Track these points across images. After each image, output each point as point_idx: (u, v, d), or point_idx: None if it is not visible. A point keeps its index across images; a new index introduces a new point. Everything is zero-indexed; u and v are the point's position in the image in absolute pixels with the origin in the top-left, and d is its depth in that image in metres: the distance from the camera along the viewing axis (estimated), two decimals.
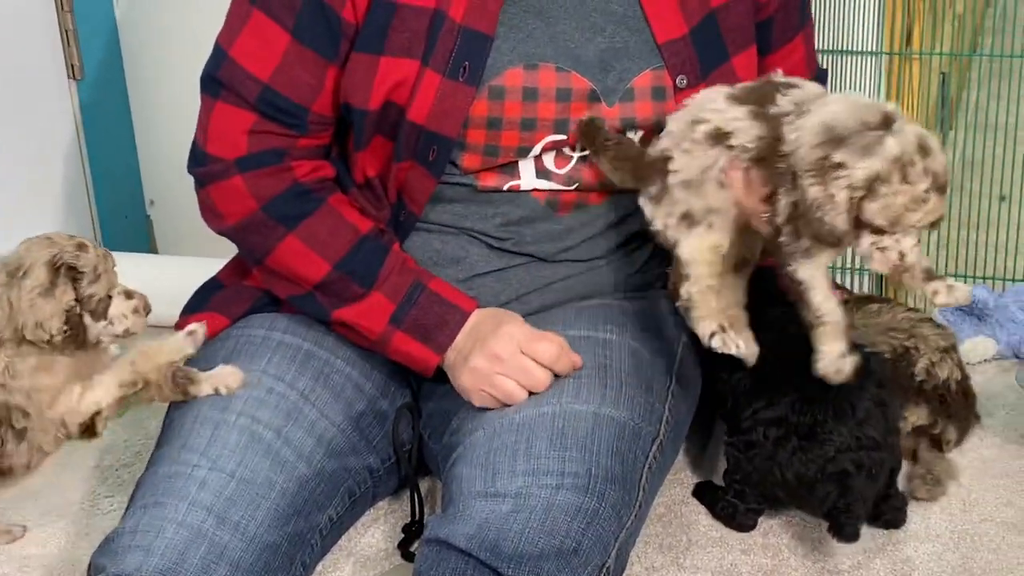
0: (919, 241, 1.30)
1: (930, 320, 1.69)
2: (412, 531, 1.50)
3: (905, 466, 1.57)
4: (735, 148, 1.35)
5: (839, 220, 1.26)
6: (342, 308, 1.47)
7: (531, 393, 1.41)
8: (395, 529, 1.52)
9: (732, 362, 1.52)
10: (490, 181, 1.48)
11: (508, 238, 1.50)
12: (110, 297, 1.40)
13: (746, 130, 1.34)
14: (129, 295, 1.42)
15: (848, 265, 1.98)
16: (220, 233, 1.51)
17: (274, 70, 1.42)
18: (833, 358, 1.34)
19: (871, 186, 1.24)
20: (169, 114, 2.35)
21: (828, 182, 1.25)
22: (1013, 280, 1.95)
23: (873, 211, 1.25)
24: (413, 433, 1.52)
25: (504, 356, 1.40)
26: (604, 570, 1.28)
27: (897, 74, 1.86)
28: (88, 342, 1.40)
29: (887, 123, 1.26)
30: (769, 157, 1.32)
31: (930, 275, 1.32)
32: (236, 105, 1.43)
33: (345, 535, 1.49)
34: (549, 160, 1.48)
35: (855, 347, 1.42)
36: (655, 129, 1.45)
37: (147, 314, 1.44)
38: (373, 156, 1.47)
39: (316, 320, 1.50)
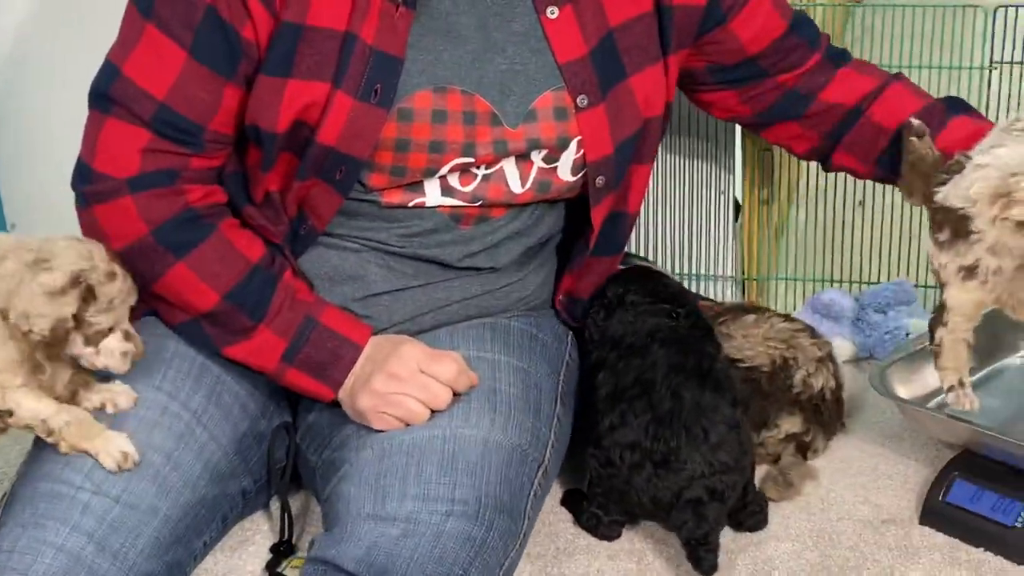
0: None
1: (808, 330, 1.73)
2: (281, 551, 1.49)
3: (763, 468, 1.61)
4: None
5: None
6: (232, 345, 1.45)
7: (432, 412, 1.41)
8: (263, 549, 1.50)
9: (597, 375, 1.56)
10: (395, 198, 1.49)
11: (409, 246, 1.50)
12: (111, 330, 1.37)
13: None
14: (128, 336, 1.39)
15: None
16: None
17: (170, 88, 1.39)
18: None
19: None
20: (31, 134, 2.31)
21: None
22: (869, 283, 2.00)
23: None
24: (288, 453, 1.51)
25: (404, 376, 1.40)
26: None
27: None
28: (61, 357, 1.37)
29: None
30: None
31: None
32: (129, 122, 1.40)
33: (211, 556, 1.48)
34: (454, 179, 1.48)
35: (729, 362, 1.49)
36: (952, 168, 1.43)
37: (137, 359, 1.41)
38: (277, 173, 1.46)
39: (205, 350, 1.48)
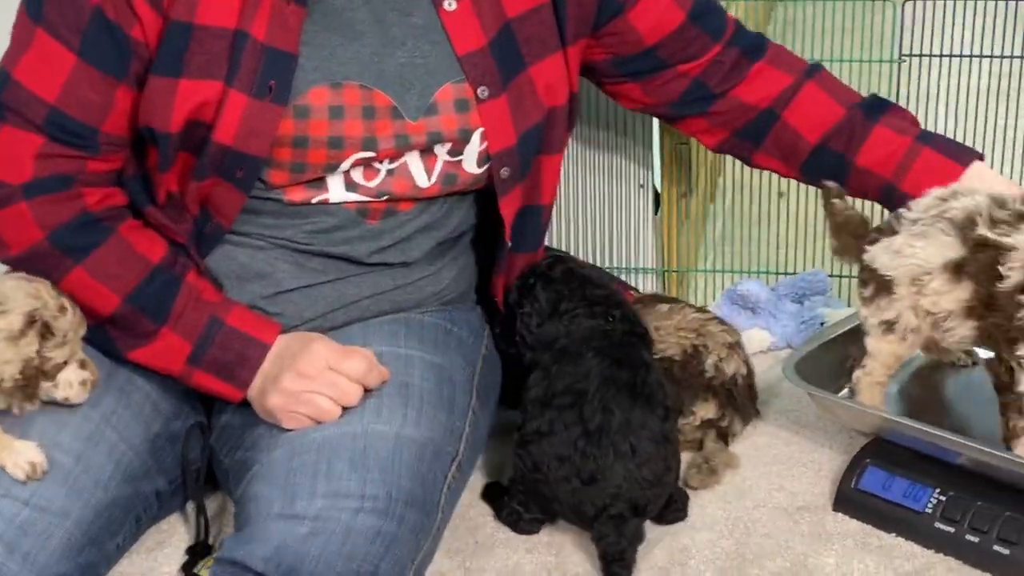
0: None
1: (717, 318, 1.75)
2: (197, 552, 1.48)
3: (687, 455, 1.63)
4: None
5: None
6: (136, 349, 1.45)
7: (344, 409, 1.41)
8: (179, 551, 1.50)
9: (529, 374, 1.57)
10: (298, 196, 1.48)
11: (316, 243, 1.50)
12: (66, 363, 1.37)
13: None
14: (84, 365, 1.39)
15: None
16: (3, 262, 1.46)
17: (61, 91, 1.39)
18: None
19: None
20: None
21: None
22: (786, 273, 2.03)
23: None
24: (203, 452, 1.51)
25: (313, 374, 1.40)
26: None
27: None
28: (37, 396, 1.37)
29: None
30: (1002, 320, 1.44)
31: None
32: (22, 128, 1.40)
33: (127, 558, 1.47)
34: (358, 174, 1.48)
35: (645, 367, 1.52)
36: (883, 229, 1.53)
37: (93, 389, 1.40)
38: (176, 174, 1.45)
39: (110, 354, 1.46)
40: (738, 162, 2.33)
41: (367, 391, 1.43)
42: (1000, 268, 1.43)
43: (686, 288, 2.07)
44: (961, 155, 1.60)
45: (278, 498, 1.32)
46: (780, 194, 2.10)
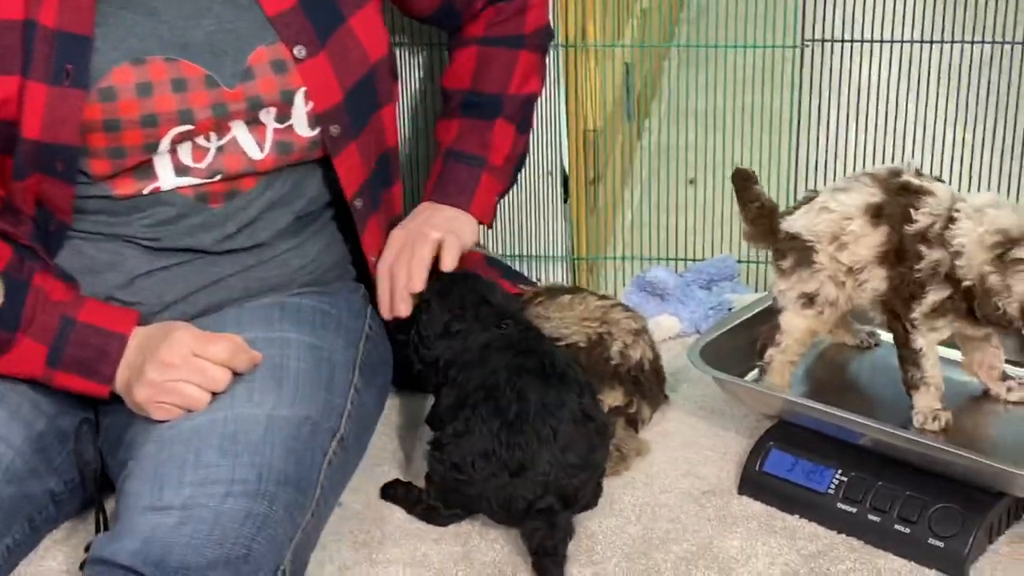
0: None
1: (620, 305, 1.75)
2: None
3: None
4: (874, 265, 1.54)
5: (1013, 307, 1.44)
6: None
7: (214, 395, 1.39)
8: (77, 551, 1.47)
9: (440, 373, 1.57)
10: (127, 189, 1.46)
11: (161, 237, 1.48)
12: None
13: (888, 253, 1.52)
14: None
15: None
16: None
17: None
18: (927, 414, 1.53)
19: None
20: None
21: (1009, 275, 1.44)
22: (695, 260, 2.04)
23: None
24: (95, 449, 1.48)
25: (177, 362, 1.38)
26: (279, 572, 1.28)
27: (575, 66, 1.93)
28: None
29: None
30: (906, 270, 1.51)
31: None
32: None
33: (25, 560, 1.45)
34: (186, 155, 1.46)
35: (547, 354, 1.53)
36: (802, 201, 1.60)
37: None
38: (0, 175, 1.42)
39: None
40: (650, 150, 2.35)
41: (238, 375, 1.41)
42: (911, 211, 1.49)
43: (596, 276, 2.07)
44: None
45: (147, 491, 1.30)
46: (690, 181, 2.11)
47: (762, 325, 1.68)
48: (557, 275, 2.03)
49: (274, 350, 1.45)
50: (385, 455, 1.67)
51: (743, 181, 1.63)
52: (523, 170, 1.97)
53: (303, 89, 1.47)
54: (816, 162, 1.99)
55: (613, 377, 1.66)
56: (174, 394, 1.38)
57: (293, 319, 1.51)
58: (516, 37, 1.73)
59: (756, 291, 1.96)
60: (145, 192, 1.46)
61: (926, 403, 1.53)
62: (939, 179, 1.57)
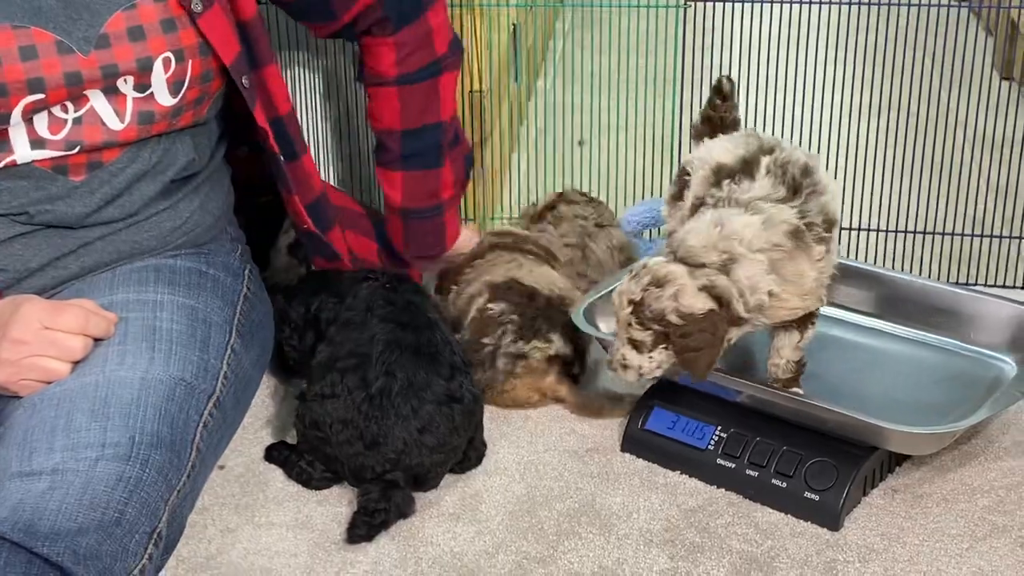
0: None
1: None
2: None
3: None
4: None
5: None
6: None
7: (76, 364, 1.36)
8: None
9: (308, 337, 1.57)
10: None
11: (22, 213, 1.43)
12: None
13: None
14: None
15: None
16: None
17: None
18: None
19: None
20: None
21: None
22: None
23: None
24: None
25: (28, 338, 1.35)
26: (155, 535, 1.27)
27: (461, 26, 1.91)
28: None
29: None
30: None
31: None
32: None
33: None
34: (42, 126, 1.41)
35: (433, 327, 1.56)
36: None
37: None
38: None
39: None
40: (539, 111, 2.35)
41: (101, 340, 1.38)
42: None
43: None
44: None
45: (15, 458, 1.28)
46: (579, 143, 2.12)
47: None
48: None
49: (147, 312, 1.42)
50: (267, 416, 1.66)
51: (723, 91, 1.64)
52: None
53: (163, 56, 1.43)
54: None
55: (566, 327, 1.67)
56: (33, 370, 1.35)
57: (167, 280, 1.48)
58: (432, 64, 1.68)
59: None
60: (0, 165, 1.42)
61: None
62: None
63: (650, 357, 1.45)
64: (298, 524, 1.47)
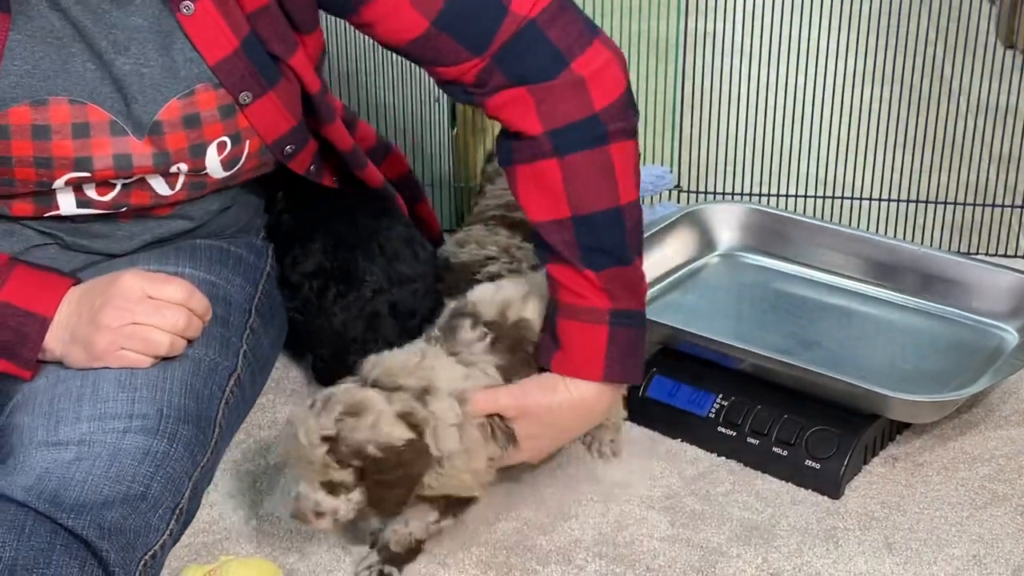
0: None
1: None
2: None
3: None
4: None
5: None
6: None
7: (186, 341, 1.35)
8: None
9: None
10: (24, 211, 1.38)
11: (60, 239, 1.43)
12: None
13: None
14: None
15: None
16: None
17: None
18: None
19: None
20: None
21: None
22: None
23: None
24: None
25: (131, 305, 1.31)
26: (177, 511, 1.27)
27: None
28: None
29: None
30: None
31: None
32: None
33: None
34: (90, 189, 1.37)
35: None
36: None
37: None
38: None
39: None
40: None
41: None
42: None
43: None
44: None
45: (41, 426, 1.27)
46: None
47: (650, 251, 1.68)
48: (444, 203, 2.02)
49: None
50: (270, 385, 1.66)
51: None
52: (410, 97, 1.96)
53: (217, 141, 1.37)
54: (703, 89, 2.00)
55: None
56: (134, 339, 1.31)
57: (188, 256, 1.47)
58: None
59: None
60: (45, 216, 1.39)
61: None
62: None
63: (347, 499, 1.25)
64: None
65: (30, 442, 1.26)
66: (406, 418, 1.25)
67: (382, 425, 1.24)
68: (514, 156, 1.33)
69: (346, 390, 1.27)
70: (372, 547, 1.35)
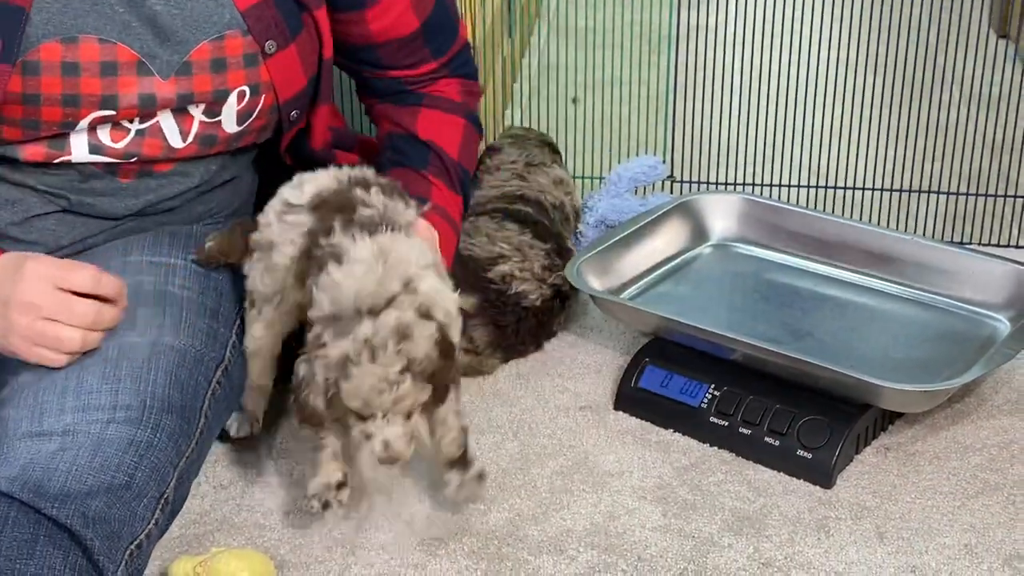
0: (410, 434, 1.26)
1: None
2: None
3: None
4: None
5: (319, 401, 1.25)
6: None
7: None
8: None
9: None
10: (36, 155, 1.39)
11: (63, 198, 1.42)
12: None
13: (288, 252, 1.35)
14: None
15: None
16: None
17: None
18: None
19: (344, 366, 1.22)
20: None
21: (313, 360, 1.25)
22: (582, 178, 2.04)
23: (345, 392, 1.23)
24: None
25: (39, 301, 1.29)
26: (163, 501, 1.27)
27: None
28: None
29: (391, 300, 1.23)
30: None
31: (451, 463, 1.35)
32: None
33: None
34: (104, 134, 1.39)
35: None
36: None
37: None
38: None
39: None
40: (532, 68, 2.33)
41: (107, 302, 1.34)
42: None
43: None
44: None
45: (25, 418, 1.27)
46: (573, 100, 2.10)
47: (642, 242, 1.69)
48: None
49: (159, 276, 1.41)
50: None
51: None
52: None
53: (239, 90, 1.41)
54: (695, 80, 2.00)
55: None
56: (46, 337, 1.30)
57: (182, 244, 1.47)
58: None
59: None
60: (55, 162, 1.40)
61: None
62: None
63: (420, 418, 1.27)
64: (293, 482, 1.47)
65: (14, 434, 1.26)
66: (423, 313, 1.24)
67: (420, 330, 1.23)
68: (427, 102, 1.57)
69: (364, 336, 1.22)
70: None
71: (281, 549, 1.37)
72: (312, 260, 1.30)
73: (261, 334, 1.42)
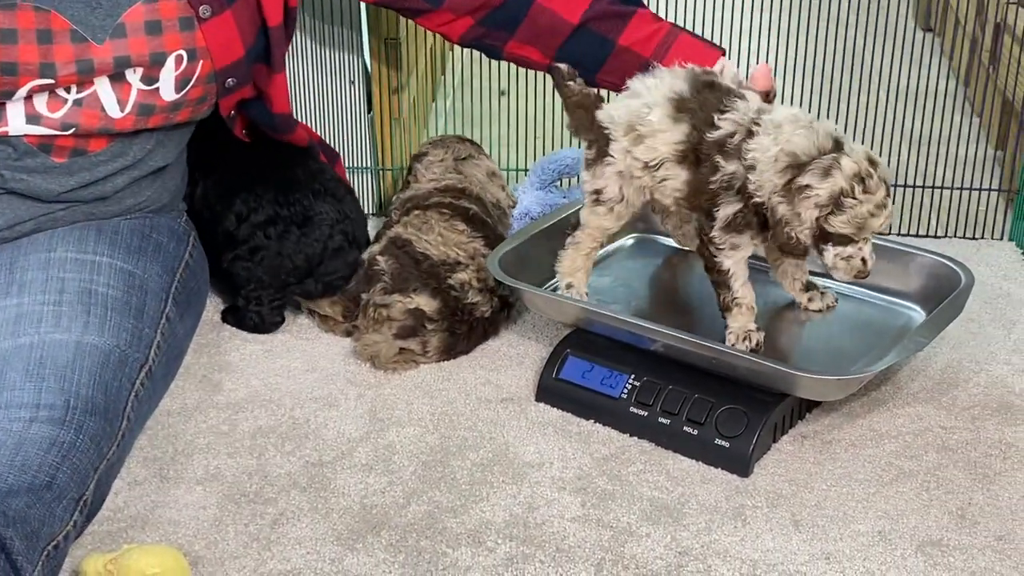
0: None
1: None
2: None
3: None
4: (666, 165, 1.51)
5: (804, 235, 1.43)
6: None
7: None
8: None
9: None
10: None
11: (3, 181, 1.41)
12: None
13: (681, 151, 1.50)
14: None
15: None
16: None
17: None
18: (739, 333, 1.52)
19: (837, 201, 1.40)
20: None
21: (797, 203, 1.41)
22: (511, 169, 2.04)
23: (840, 223, 1.41)
24: None
25: None
26: (81, 503, 1.26)
27: None
28: None
29: (838, 146, 1.43)
30: (704, 176, 1.48)
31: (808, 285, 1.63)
32: None
33: None
34: (41, 103, 1.39)
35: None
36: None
37: None
38: None
39: None
40: (460, 61, 2.33)
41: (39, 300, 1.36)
42: (715, 116, 1.47)
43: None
44: (711, 47, 1.63)
45: None
46: (501, 93, 2.10)
47: (559, 236, 1.68)
48: (364, 186, 2.01)
49: (84, 273, 1.40)
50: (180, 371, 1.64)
51: (561, 79, 1.59)
52: (327, 79, 1.94)
53: (176, 53, 1.41)
54: None
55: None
56: None
57: (108, 241, 1.46)
58: None
59: None
60: None
61: (739, 324, 1.53)
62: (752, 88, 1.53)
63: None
64: (208, 477, 1.45)
65: None
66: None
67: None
68: None
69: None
70: None
71: (196, 545, 1.35)
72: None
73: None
